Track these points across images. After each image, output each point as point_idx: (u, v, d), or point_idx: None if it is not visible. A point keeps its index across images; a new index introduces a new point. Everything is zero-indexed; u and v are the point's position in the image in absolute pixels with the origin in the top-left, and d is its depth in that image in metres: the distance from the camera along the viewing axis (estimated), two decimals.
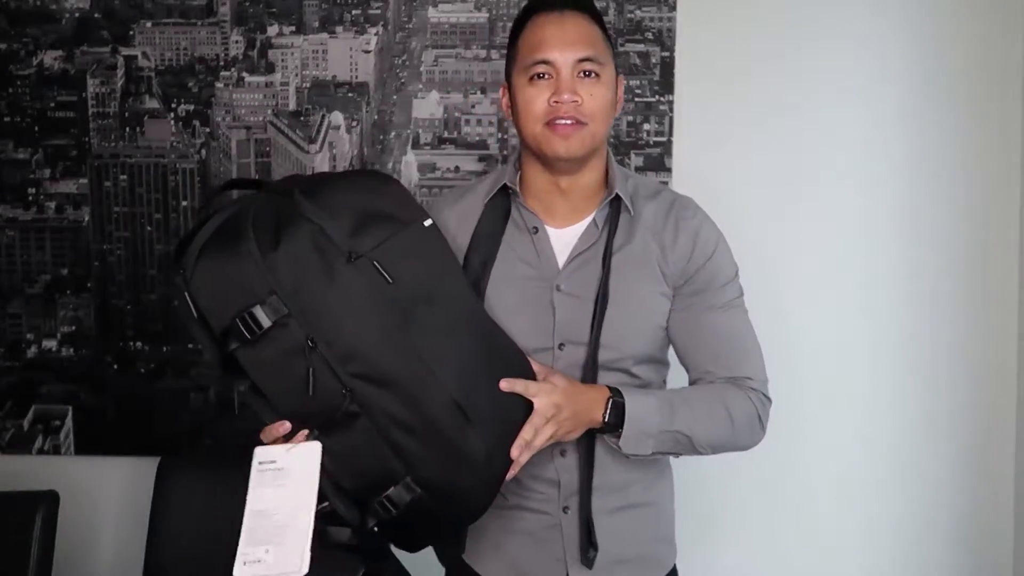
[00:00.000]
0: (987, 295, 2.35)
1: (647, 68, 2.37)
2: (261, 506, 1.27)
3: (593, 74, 1.45)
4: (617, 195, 1.52)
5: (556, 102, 1.44)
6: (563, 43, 1.45)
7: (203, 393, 2.39)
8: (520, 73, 1.48)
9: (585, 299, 1.49)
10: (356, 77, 2.40)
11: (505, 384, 1.34)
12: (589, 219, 1.53)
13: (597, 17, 1.52)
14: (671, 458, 1.60)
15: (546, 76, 1.45)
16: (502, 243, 1.52)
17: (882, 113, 2.34)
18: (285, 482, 1.26)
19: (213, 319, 1.28)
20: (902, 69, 2.34)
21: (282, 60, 2.38)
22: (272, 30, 2.38)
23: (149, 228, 2.39)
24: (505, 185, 1.54)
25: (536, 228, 1.52)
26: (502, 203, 1.54)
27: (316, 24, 2.38)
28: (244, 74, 2.38)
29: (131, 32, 2.38)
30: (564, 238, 1.53)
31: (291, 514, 1.24)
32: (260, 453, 1.28)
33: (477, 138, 2.39)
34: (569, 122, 1.44)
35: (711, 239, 1.56)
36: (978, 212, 2.35)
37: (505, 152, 2.37)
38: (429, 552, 1.56)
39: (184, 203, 2.39)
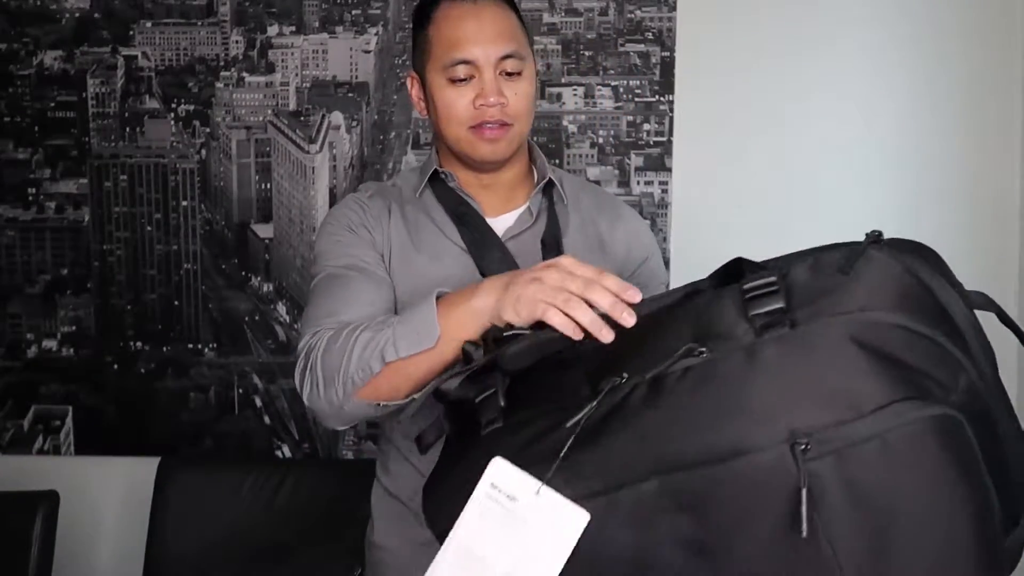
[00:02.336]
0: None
1: (647, 68, 2.37)
2: (478, 548, 0.90)
3: (516, 72, 1.36)
4: (550, 180, 1.44)
5: (482, 105, 1.34)
6: (483, 40, 1.34)
7: (203, 393, 2.40)
8: (437, 71, 1.36)
9: None
10: (356, 77, 2.40)
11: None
12: (523, 208, 1.44)
13: (512, 4, 1.41)
14: None
15: (467, 77, 1.35)
16: (433, 228, 1.42)
17: (881, 113, 2.35)
18: (519, 533, 0.89)
19: None
20: (901, 68, 2.34)
21: (282, 60, 2.38)
22: (272, 30, 2.38)
23: (149, 228, 2.39)
24: (436, 172, 1.44)
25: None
26: (445, 190, 1.44)
27: (316, 24, 2.38)
28: (244, 74, 2.38)
29: (131, 32, 2.38)
30: (495, 226, 1.43)
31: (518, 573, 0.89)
32: (497, 472, 0.90)
33: None
34: (496, 126, 1.35)
35: (647, 238, 1.52)
36: (978, 213, 2.35)
37: None
38: None
39: (184, 203, 2.39)
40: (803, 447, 0.81)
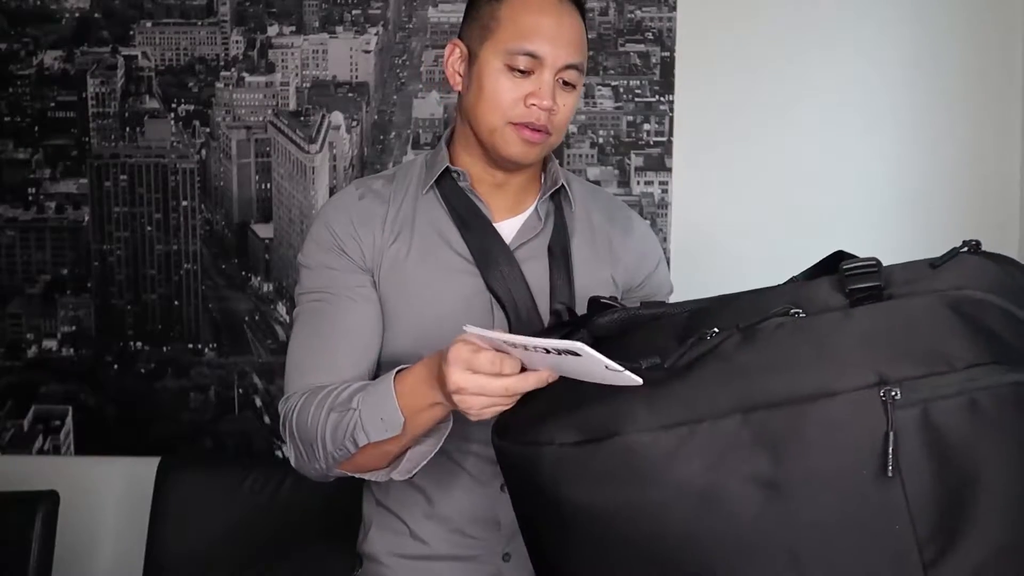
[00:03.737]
0: None
1: (647, 68, 2.37)
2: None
3: (571, 84, 1.31)
4: (561, 186, 1.39)
5: (532, 105, 1.28)
6: (558, 41, 1.28)
7: (203, 393, 2.40)
8: (497, 52, 1.29)
9: (526, 297, 1.33)
10: (356, 77, 2.40)
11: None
12: (529, 211, 1.39)
13: (584, 16, 1.38)
14: None
15: (527, 71, 1.28)
16: (433, 233, 1.35)
17: (882, 112, 2.35)
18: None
19: None
20: (902, 67, 2.34)
21: (282, 60, 2.38)
22: (272, 30, 2.38)
23: (149, 228, 2.39)
24: (448, 170, 1.36)
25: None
26: (453, 190, 1.37)
27: (316, 24, 2.38)
28: (244, 74, 2.38)
29: (131, 32, 2.38)
30: (501, 230, 1.36)
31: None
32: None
33: None
34: (540, 131, 1.29)
35: (655, 246, 1.50)
36: (978, 213, 2.35)
37: None
38: None
39: (184, 203, 2.39)
40: (893, 394, 0.84)
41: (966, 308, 0.87)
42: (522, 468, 0.97)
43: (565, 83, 1.31)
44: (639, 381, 0.90)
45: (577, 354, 0.90)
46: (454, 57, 1.35)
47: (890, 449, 0.83)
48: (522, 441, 0.97)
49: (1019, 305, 0.89)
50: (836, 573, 0.87)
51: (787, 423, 0.87)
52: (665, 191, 2.37)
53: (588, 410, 0.93)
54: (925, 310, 0.88)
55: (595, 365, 0.90)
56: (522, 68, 1.28)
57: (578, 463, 0.91)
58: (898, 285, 0.91)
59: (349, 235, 1.34)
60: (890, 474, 0.83)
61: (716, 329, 0.92)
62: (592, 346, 0.99)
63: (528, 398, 1.02)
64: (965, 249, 0.94)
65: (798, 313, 0.91)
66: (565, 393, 0.97)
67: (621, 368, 0.89)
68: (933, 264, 0.92)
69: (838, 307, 0.90)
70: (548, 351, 0.93)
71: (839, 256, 0.99)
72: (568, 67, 1.29)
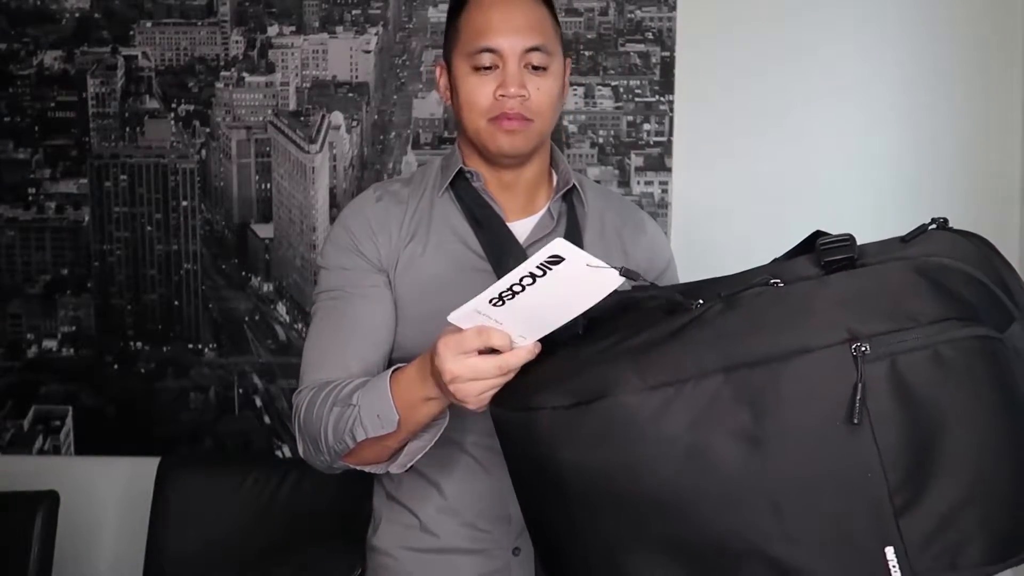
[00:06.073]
0: None
1: (647, 68, 2.37)
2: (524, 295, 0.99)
3: (541, 67, 1.33)
4: (573, 185, 1.41)
5: (502, 96, 1.31)
6: (510, 29, 1.32)
7: (203, 393, 2.40)
8: (462, 58, 1.35)
9: None
10: (356, 77, 2.40)
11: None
12: (543, 211, 1.41)
13: None
14: None
15: (491, 67, 1.32)
16: (448, 232, 1.39)
17: (881, 112, 2.35)
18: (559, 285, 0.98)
19: None
20: (902, 67, 2.34)
21: (282, 60, 2.38)
22: (272, 30, 2.38)
23: (149, 228, 2.39)
24: (461, 171, 1.40)
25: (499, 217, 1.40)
26: (467, 190, 1.40)
27: (316, 24, 2.38)
28: (244, 74, 2.38)
29: (131, 32, 2.38)
30: (515, 231, 1.39)
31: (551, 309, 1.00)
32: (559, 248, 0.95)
33: None
34: (516, 118, 1.32)
35: (666, 246, 1.53)
36: (979, 211, 2.35)
37: None
38: None
39: (184, 203, 2.39)
40: (863, 348, 0.91)
41: (932, 272, 0.95)
42: (519, 434, 1.02)
43: (535, 68, 1.33)
44: (616, 274, 0.95)
45: (561, 257, 0.93)
46: (441, 77, 1.43)
47: (857, 398, 0.90)
48: (518, 408, 1.02)
49: (983, 271, 0.97)
50: (815, 521, 0.92)
51: (766, 380, 0.93)
52: (665, 191, 2.37)
53: (579, 377, 0.98)
54: (894, 273, 0.96)
55: (578, 265, 0.94)
56: (486, 65, 1.33)
57: (571, 425, 0.96)
58: (871, 256, 0.98)
59: (367, 235, 1.38)
60: (856, 421, 0.90)
61: (701, 300, 0.98)
62: (585, 328, 1.04)
63: (522, 372, 1.06)
64: (933, 226, 1.01)
65: (777, 282, 0.97)
66: (557, 364, 1.03)
67: (602, 264, 0.94)
68: (904, 239, 1.00)
69: (814, 276, 0.97)
70: (534, 277, 0.96)
71: (817, 235, 1.05)
72: (530, 50, 1.32)
